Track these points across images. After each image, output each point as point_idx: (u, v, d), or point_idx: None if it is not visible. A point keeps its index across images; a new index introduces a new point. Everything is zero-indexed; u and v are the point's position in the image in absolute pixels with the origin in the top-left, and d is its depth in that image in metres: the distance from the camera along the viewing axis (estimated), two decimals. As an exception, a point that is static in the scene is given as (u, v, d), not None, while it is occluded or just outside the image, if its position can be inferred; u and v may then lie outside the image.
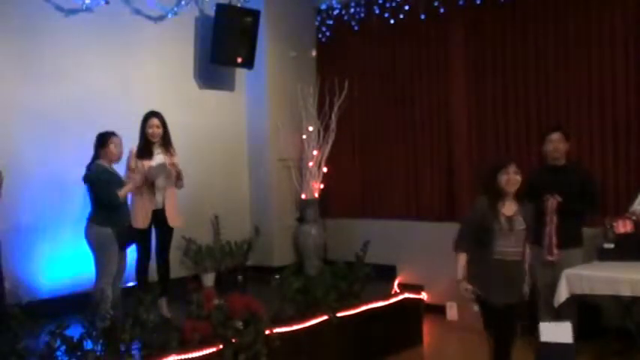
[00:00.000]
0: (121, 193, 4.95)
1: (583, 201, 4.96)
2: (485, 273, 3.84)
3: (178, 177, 5.36)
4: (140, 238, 5.34)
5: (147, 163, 5.27)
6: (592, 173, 5.42)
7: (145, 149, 5.34)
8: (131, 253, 5.37)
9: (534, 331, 4.42)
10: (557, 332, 4.42)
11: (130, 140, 5.34)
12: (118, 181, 5.02)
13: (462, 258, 3.91)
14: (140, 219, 5.29)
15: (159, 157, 5.34)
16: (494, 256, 3.82)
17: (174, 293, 5.37)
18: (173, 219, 5.40)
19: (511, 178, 3.84)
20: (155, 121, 5.33)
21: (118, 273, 5.03)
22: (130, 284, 5.61)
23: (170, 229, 5.43)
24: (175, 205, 5.44)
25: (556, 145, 5.09)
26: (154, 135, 5.32)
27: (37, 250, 5.69)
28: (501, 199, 3.86)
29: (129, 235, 5.04)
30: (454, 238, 4.01)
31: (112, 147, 5.01)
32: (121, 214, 5.01)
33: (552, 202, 4.90)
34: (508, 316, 3.90)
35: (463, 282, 3.89)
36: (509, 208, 3.86)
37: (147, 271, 5.41)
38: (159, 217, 5.35)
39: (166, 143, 5.40)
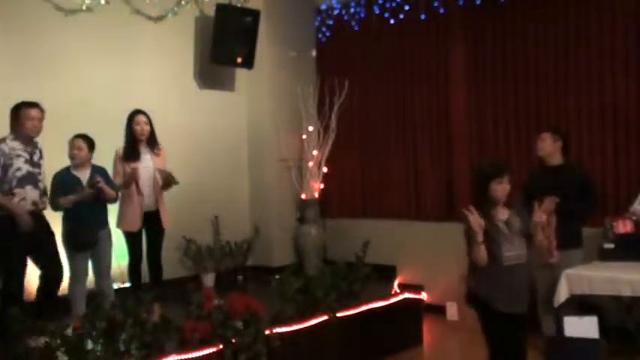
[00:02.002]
0: (63, 201, 4.90)
1: (582, 201, 4.96)
2: (495, 281, 3.69)
3: (168, 183, 5.33)
4: (130, 240, 5.35)
5: (134, 165, 5.23)
6: (589, 172, 5.43)
7: (131, 150, 5.29)
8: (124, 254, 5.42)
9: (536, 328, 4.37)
10: (582, 327, 4.35)
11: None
12: (63, 187, 4.94)
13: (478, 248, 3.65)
14: (130, 222, 5.29)
15: (146, 160, 5.30)
16: (504, 263, 3.68)
17: (174, 293, 5.36)
18: (166, 221, 5.40)
19: (506, 188, 3.72)
20: (142, 117, 5.30)
21: (80, 275, 5.01)
22: (128, 284, 5.63)
23: (162, 231, 5.41)
24: (166, 205, 5.43)
25: (542, 144, 5.17)
26: (143, 132, 5.27)
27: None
28: (494, 207, 3.74)
29: (82, 236, 4.97)
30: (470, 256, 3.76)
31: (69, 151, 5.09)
32: (72, 215, 4.97)
33: (550, 203, 4.89)
34: (518, 327, 3.78)
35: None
36: (502, 212, 3.76)
37: (139, 272, 5.40)
38: (151, 219, 5.33)
39: (153, 141, 5.35)
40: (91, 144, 5.12)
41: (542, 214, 3.83)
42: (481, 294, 3.77)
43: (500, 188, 3.71)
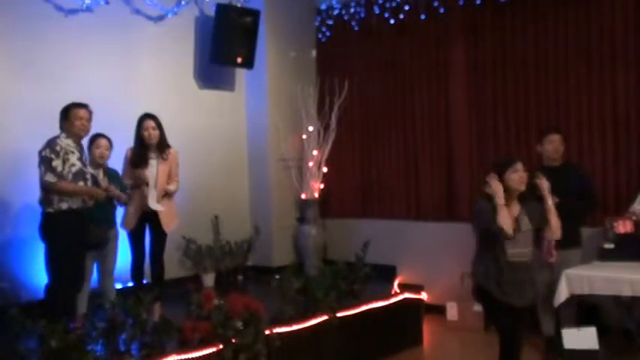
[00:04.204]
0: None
1: (581, 201, 4.96)
2: (498, 275, 3.73)
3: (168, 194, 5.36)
4: (131, 239, 5.35)
5: (145, 174, 5.22)
6: (588, 173, 5.44)
7: (139, 156, 5.26)
8: (126, 253, 5.43)
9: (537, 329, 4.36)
10: (581, 338, 4.35)
11: (129, 141, 5.36)
12: None
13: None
14: (126, 221, 5.31)
15: (152, 165, 5.27)
16: (505, 258, 3.72)
17: (174, 293, 5.37)
18: (167, 223, 5.34)
19: (522, 176, 3.74)
20: (151, 122, 5.26)
21: (85, 274, 5.00)
22: (129, 284, 5.64)
23: (163, 233, 5.37)
24: (171, 209, 5.40)
25: (557, 146, 5.12)
26: (150, 137, 5.24)
27: (38, 250, 5.69)
28: (506, 201, 3.72)
29: (94, 235, 4.97)
30: (483, 222, 3.73)
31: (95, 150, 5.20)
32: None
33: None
34: (518, 320, 3.82)
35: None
36: (513, 209, 3.77)
37: (141, 272, 5.40)
38: (152, 219, 5.31)
39: (162, 146, 5.32)
40: (111, 143, 5.29)
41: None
42: (489, 288, 3.78)
43: (517, 177, 3.73)
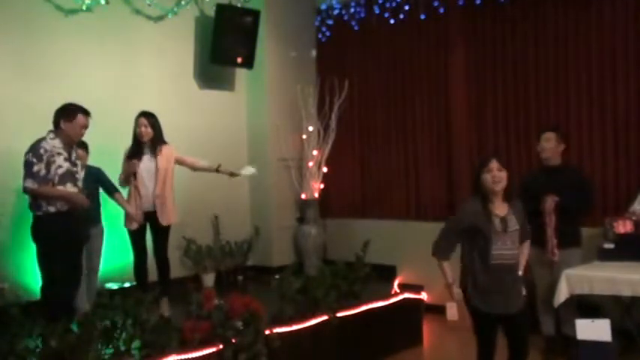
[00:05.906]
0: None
1: (580, 201, 4.97)
2: (484, 281, 3.62)
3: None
4: (132, 239, 5.35)
5: (135, 163, 5.26)
6: (586, 173, 5.45)
7: (135, 151, 5.32)
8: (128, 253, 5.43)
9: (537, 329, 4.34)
10: (594, 330, 4.33)
11: (129, 141, 5.36)
12: None
13: (445, 264, 3.78)
14: (130, 220, 5.31)
15: (146, 160, 5.29)
16: (492, 261, 3.59)
17: (174, 293, 5.36)
18: (166, 217, 5.33)
19: (495, 175, 3.58)
20: (143, 120, 5.30)
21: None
22: (128, 284, 5.64)
23: (164, 228, 5.37)
24: (169, 204, 5.39)
25: (543, 144, 5.10)
26: (141, 135, 5.28)
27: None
28: (491, 200, 3.63)
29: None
30: (435, 240, 3.83)
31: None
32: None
33: (550, 202, 4.91)
34: (515, 326, 3.73)
35: (453, 286, 3.77)
36: (500, 208, 3.64)
37: (143, 271, 5.40)
38: (152, 219, 5.32)
39: (156, 143, 5.33)
40: (87, 148, 5.38)
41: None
42: (471, 296, 3.72)
43: (489, 177, 3.59)
